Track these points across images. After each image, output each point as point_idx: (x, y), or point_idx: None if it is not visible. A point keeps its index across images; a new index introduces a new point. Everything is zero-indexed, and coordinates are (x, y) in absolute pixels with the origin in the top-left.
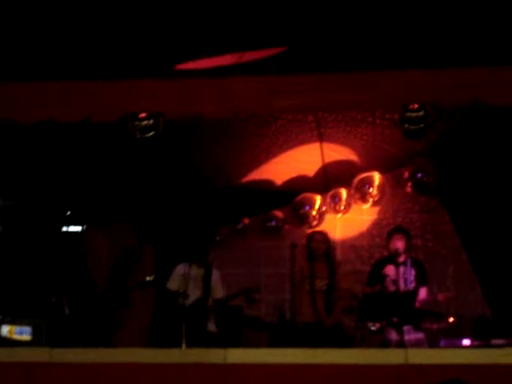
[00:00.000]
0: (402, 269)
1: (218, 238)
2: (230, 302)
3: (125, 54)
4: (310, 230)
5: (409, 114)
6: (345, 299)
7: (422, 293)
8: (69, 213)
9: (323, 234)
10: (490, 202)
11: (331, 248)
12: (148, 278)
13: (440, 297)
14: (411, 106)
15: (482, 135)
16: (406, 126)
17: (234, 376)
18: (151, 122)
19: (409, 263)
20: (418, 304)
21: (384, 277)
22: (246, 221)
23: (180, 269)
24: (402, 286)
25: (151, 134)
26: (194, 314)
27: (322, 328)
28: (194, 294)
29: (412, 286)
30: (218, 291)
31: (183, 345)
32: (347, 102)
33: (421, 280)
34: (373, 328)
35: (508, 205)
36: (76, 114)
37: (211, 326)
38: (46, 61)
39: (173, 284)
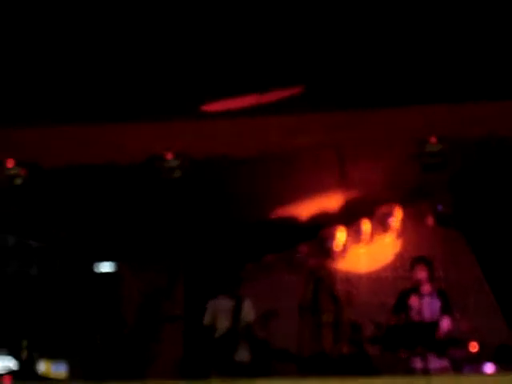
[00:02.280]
0: (426, 299)
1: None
2: (255, 328)
3: (149, 96)
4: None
5: (427, 147)
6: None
7: (446, 323)
8: (100, 253)
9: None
10: (511, 233)
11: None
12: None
13: (463, 326)
14: (430, 140)
15: (499, 167)
16: (425, 159)
17: None
18: (177, 162)
19: (435, 294)
20: (441, 334)
21: (408, 307)
22: (271, 257)
23: (213, 303)
24: (426, 316)
25: (177, 174)
26: (223, 345)
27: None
28: (223, 325)
29: (437, 316)
30: (250, 319)
31: (212, 376)
32: (366, 138)
33: (446, 311)
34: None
35: None
36: (101, 157)
37: (243, 355)
38: (70, 105)
39: (209, 319)
